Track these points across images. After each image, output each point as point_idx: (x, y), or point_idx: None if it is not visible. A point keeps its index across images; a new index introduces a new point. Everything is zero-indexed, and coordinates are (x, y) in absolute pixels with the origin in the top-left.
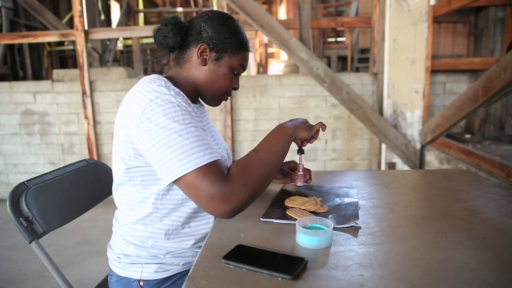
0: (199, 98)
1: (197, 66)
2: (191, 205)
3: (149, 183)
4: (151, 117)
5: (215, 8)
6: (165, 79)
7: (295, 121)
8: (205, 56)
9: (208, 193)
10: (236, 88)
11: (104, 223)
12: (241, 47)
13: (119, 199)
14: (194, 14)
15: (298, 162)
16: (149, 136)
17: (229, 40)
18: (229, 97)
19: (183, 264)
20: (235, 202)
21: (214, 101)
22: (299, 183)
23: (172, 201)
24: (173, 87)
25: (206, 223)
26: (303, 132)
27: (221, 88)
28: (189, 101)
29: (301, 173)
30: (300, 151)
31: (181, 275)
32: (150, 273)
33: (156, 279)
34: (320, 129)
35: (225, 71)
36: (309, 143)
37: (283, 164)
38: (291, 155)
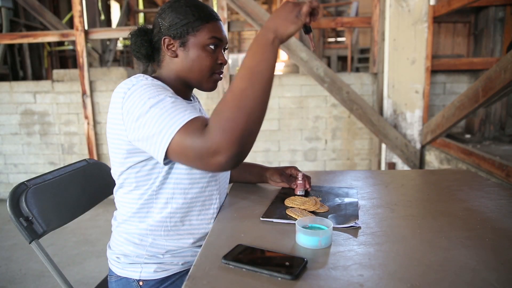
0: (193, 93)
1: (172, 61)
2: (182, 197)
3: (145, 178)
4: (129, 103)
5: (215, 8)
6: (147, 76)
7: (275, 17)
8: (172, 48)
9: (195, 152)
10: (222, 63)
11: (104, 223)
12: (202, 20)
13: (120, 199)
14: None
15: (309, 41)
16: (133, 122)
17: (185, 21)
18: (222, 75)
19: (182, 264)
20: (224, 151)
21: (205, 85)
22: (299, 192)
23: (167, 189)
24: (151, 78)
25: (207, 223)
26: (288, 27)
27: (202, 70)
28: (174, 95)
29: (301, 182)
30: (307, 31)
31: (180, 275)
32: (149, 273)
33: (155, 279)
34: (313, 12)
35: (197, 52)
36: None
37: (283, 169)
38: (291, 155)
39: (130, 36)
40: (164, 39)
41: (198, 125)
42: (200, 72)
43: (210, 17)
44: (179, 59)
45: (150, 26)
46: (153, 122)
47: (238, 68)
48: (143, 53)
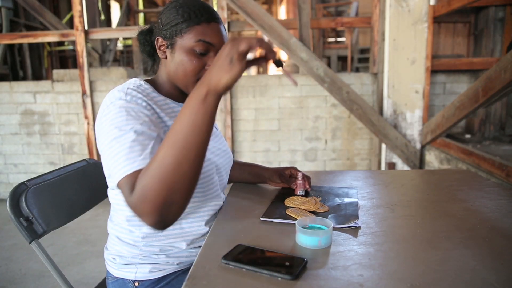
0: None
1: (164, 62)
2: None
3: None
4: (102, 123)
5: (215, 8)
6: (140, 82)
7: (212, 64)
8: (163, 49)
9: (129, 205)
10: None
11: (104, 223)
12: (191, 22)
13: (113, 201)
14: None
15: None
16: (101, 143)
17: (175, 21)
18: None
19: (177, 264)
20: (146, 217)
21: (190, 90)
22: (299, 192)
23: None
24: (135, 92)
25: (199, 225)
26: (221, 78)
27: (187, 74)
28: (166, 101)
29: (301, 182)
30: (277, 64)
31: (176, 275)
32: (144, 273)
33: (150, 279)
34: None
35: (181, 55)
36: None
37: (282, 169)
38: (291, 155)
39: (137, 34)
40: (157, 39)
41: (135, 181)
42: (184, 76)
43: (201, 19)
44: (168, 61)
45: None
46: (110, 156)
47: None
48: (146, 52)
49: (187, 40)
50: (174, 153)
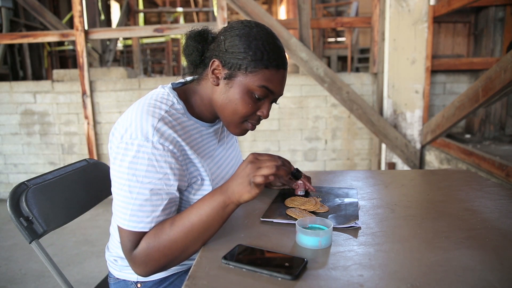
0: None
1: (211, 87)
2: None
3: None
4: (121, 154)
5: (214, 9)
6: (173, 99)
7: (234, 178)
8: (217, 74)
9: (126, 256)
10: (262, 117)
11: (104, 223)
12: (261, 63)
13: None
14: (194, 14)
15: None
16: (112, 170)
17: (243, 55)
18: (255, 126)
19: (180, 264)
20: (140, 273)
21: (231, 129)
22: (300, 192)
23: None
24: (165, 128)
25: None
26: (242, 196)
27: (236, 114)
28: (196, 125)
29: (301, 182)
30: (296, 177)
31: (178, 275)
32: None
33: (153, 280)
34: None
35: (238, 94)
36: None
37: None
38: (291, 155)
39: (185, 35)
40: (213, 60)
41: (137, 240)
42: (232, 115)
43: (272, 64)
44: (218, 89)
45: (216, 31)
46: (118, 199)
47: (189, 208)
48: (191, 60)
49: (251, 80)
50: (185, 241)
